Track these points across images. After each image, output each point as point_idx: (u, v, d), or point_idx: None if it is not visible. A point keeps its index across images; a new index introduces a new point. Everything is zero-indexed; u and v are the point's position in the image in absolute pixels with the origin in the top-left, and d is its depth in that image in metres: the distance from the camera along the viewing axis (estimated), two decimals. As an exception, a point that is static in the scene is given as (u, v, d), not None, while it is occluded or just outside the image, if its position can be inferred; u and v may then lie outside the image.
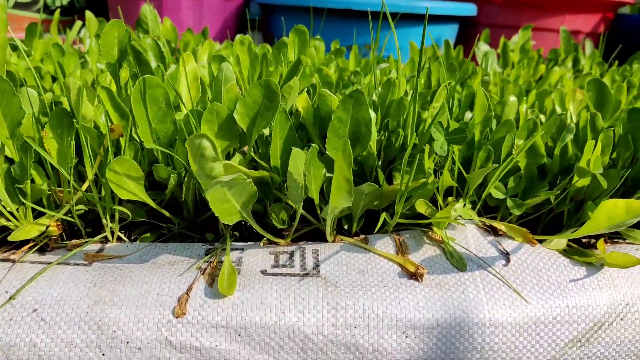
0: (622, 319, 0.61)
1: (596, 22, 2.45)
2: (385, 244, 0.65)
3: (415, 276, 0.60)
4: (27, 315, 0.54)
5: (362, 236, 0.67)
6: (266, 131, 0.66)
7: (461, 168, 0.65)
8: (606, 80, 1.26)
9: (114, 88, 0.72)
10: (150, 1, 2.15)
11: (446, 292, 0.59)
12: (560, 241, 0.67)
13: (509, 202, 0.65)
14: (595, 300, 0.61)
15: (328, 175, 0.62)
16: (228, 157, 0.62)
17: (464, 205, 0.65)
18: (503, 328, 0.58)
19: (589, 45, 1.50)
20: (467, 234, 0.66)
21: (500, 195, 0.65)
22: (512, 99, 0.72)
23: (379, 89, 0.70)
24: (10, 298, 0.55)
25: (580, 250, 0.66)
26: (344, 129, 0.59)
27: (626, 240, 0.70)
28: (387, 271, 0.61)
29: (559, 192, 0.64)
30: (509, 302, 0.59)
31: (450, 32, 2.30)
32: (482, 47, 1.20)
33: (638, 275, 0.64)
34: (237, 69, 0.88)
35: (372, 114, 0.60)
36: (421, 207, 0.63)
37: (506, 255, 0.63)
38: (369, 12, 0.71)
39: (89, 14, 1.34)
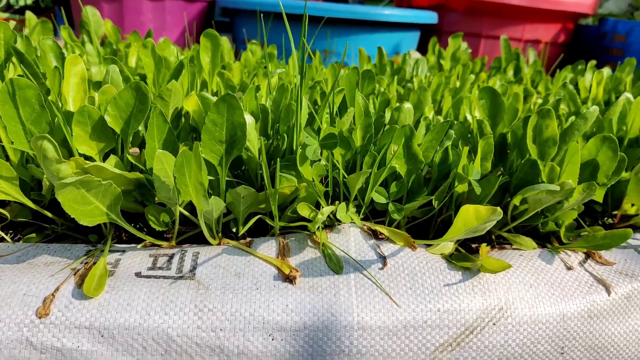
0: (494, 324, 0.62)
1: (556, 32, 2.49)
2: (269, 246, 0.65)
3: (289, 279, 0.60)
4: None
5: (248, 239, 0.67)
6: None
7: (344, 173, 0.65)
8: (541, 88, 1.28)
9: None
10: (111, 3, 2.15)
11: (318, 295, 0.60)
12: (447, 245, 0.68)
13: (390, 207, 0.66)
14: (467, 305, 0.61)
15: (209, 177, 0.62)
16: (105, 158, 0.62)
17: (347, 209, 0.66)
18: (372, 331, 0.59)
19: (532, 54, 1.52)
20: (349, 237, 0.67)
21: (383, 200, 0.66)
22: (407, 105, 0.73)
23: (273, 93, 0.71)
24: None
25: (464, 255, 0.67)
26: (220, 132, 0.59)
27: (512, 246, 0.71)
28: (264, 274, 0.61)
29: (433, 197, 0.65)
30: (380, 306, 0.60)
31: (411, 38, 2.32)
32: (412, 55, 1.21)
33: (516, 281, 0.65)
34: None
35: (249, 118, 0.60)
36: (303, 210, 0.63)
37: (383, 259, 0.64)
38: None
39: (28, 13, 1.34)
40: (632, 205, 0.76)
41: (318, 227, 0.64)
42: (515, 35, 2.45)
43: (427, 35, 2.55)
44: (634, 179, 0.72)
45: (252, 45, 1.22)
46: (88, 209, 0.54)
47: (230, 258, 0.63)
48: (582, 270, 0.69)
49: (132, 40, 1.38)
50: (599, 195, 0.67)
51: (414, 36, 2.35)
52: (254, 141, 0.62)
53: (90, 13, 1.37)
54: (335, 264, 0.62)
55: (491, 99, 0.73)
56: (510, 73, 1.45)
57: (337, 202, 0.68)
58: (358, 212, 0.68)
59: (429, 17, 2.28)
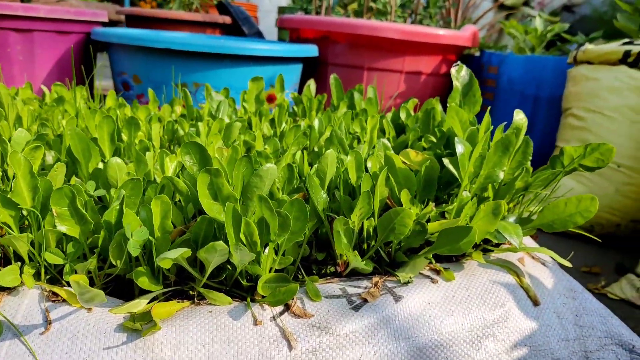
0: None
1: (437, 63, 2.58)
2: None
3: None
4: None
5: None
6: None
7: (17, 235, 0.65)
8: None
9: None
10: (-25, 35, 2.09)
11: (-44, 367, 0.58)
12: (138, 303, 0.68)
13: (66, 268, 0.65)
14: (125, 368, 0.61)
15: None
16: None
17: (20, 272, 0.65)
18: (11, 402, 0.57)
19: (370, 90, 1.57)
20: (24, 300, 0.65)
21: (60, 261, 0.66)
22: (114, 160, 0.73)
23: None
24: None
25: (147, 314, 0.67)
26: None
27: (207, 301, 0.71)
28: None
29: (109, 255, 0.65)
30: (25, 375, 0.59)
31: (292, 71, 2.36)
32: (215, 97, 1.22)
33: (188, 340, 0.65)
34: None
35: None
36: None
37: (48, 323, 0.63)
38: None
39: None
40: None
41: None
42: (396, 67, 2.53)
43: (313, 66, 2.61)
44: (336, 231, 0.75)
45: (56, 86, 1.21)
46: None
47: None
48: (272, 324, 0.69)
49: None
50: (271, 251, 0.69)
51: (296, 68, 2.39)
52: None
53: None
54: (-8, 331, 0.61)
55: (199, 153, 0.74)
56: (343, 109, 1.49)
57: (19, 263, 0.67)
58: (43, 273, 0.67)
59: (307, 50, 2.33)
